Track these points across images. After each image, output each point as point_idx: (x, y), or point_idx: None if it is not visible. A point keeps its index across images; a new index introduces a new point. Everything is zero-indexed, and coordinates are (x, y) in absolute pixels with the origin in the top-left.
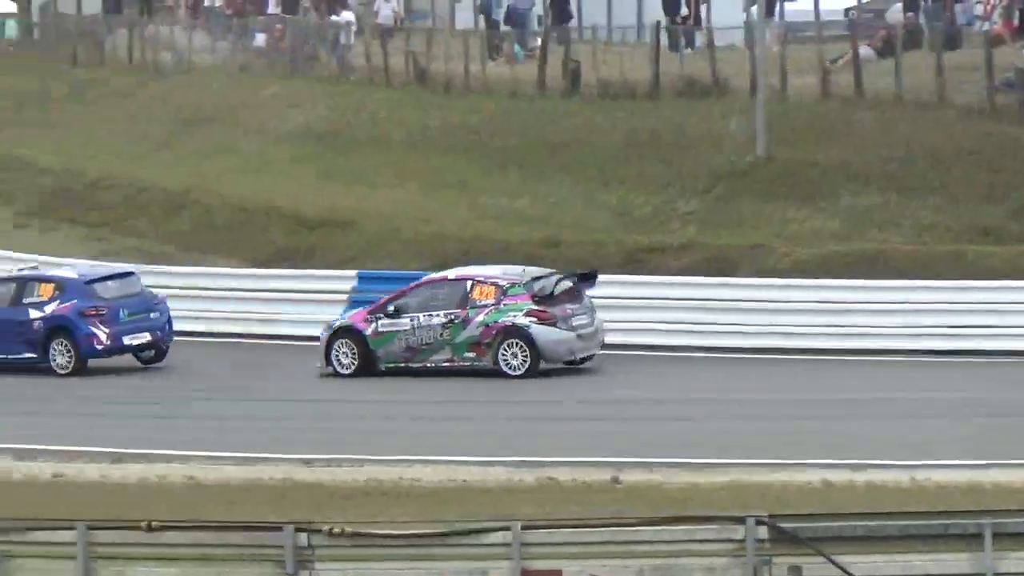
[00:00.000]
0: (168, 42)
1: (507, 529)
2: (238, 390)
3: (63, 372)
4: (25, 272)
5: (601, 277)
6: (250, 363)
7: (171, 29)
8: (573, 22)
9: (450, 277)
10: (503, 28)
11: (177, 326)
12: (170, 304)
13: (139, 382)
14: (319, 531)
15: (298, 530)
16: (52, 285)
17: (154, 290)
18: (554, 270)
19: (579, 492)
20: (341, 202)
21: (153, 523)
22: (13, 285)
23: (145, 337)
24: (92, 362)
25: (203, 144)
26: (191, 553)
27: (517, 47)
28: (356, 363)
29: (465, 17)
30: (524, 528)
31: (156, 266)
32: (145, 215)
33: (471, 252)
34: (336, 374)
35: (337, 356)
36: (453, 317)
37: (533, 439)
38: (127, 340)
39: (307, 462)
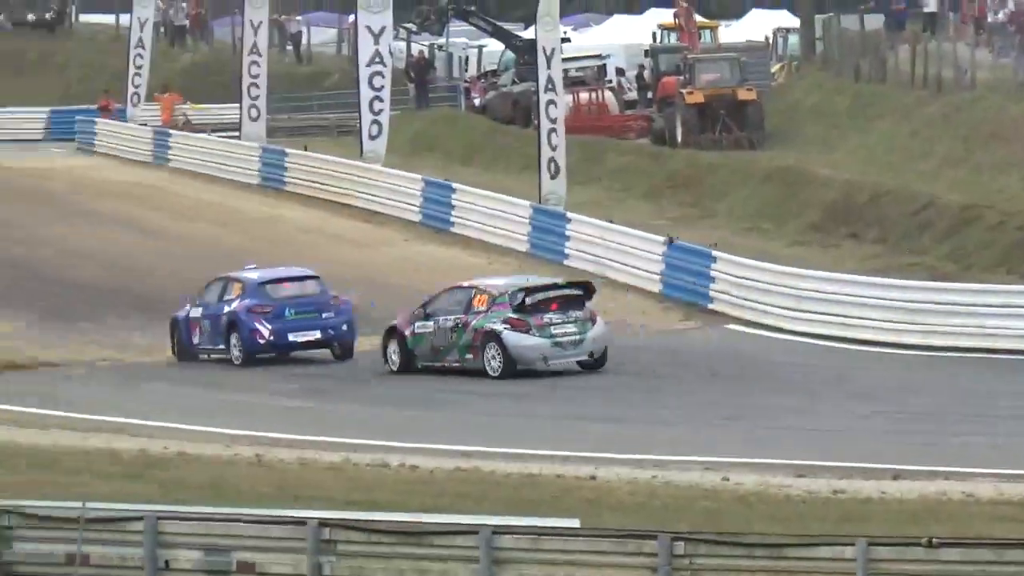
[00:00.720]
0: (950, 58)
1: None
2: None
3: (237, 363)
4: (232, 273)
5: None
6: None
7: (954, 45)
8: None
9: (464, 285)
10: None
11: (952, 342)
12: (936, 320)
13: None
14: None
15: None
16: (240, 285)
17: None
18: (556, 281)
19: None
20: None
21: (933, 540)
22: (221, 284)
23: (314, 335)
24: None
25: (988, 161)
26: (969, 571)
27: None
28: (399, 361)
29: None
30: None
31: (934, 283)
32: (927, 232)
33: None
34: (392, 372)
35: (389, 354)
36: (458, 322)
37: None
38: (292, 337)
39: None
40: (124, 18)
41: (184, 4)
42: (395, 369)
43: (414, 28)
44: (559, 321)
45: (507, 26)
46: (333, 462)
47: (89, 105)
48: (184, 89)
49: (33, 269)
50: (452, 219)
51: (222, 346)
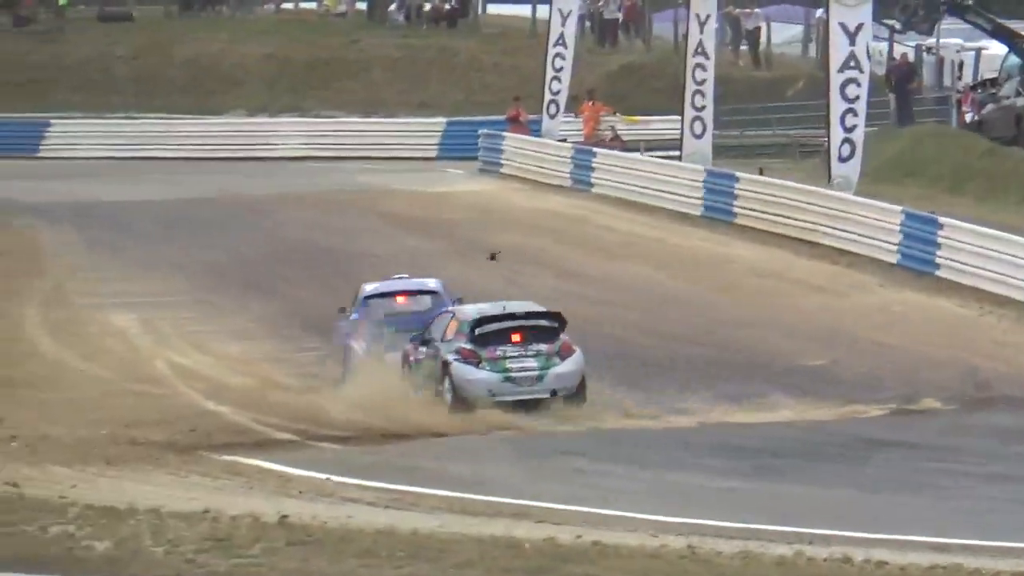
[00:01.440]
0: None
1: None
2: None
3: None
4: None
5: None
6: None
7: None
8: None
9: (448, 309)
10: None
11: None
12: None
13: None
14: None
15: None
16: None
17: None
18: (513, 311)
19: None
20: None
21: None
22: (355, 296)
23: None
24: None
25: None
26: None
27: None
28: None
29: None
30: None
31: None
32: None
33: None
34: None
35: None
36: (436, 350)
37: None
38: (389, 359)
39: None
40: (542, 10)
41: None
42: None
43: (898, 26)
44: (516, 354)
45: (1013, 24)
46: (783, 556)
47: (494, 116)
48: (613, 97)
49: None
50: (937, 260)
51: None
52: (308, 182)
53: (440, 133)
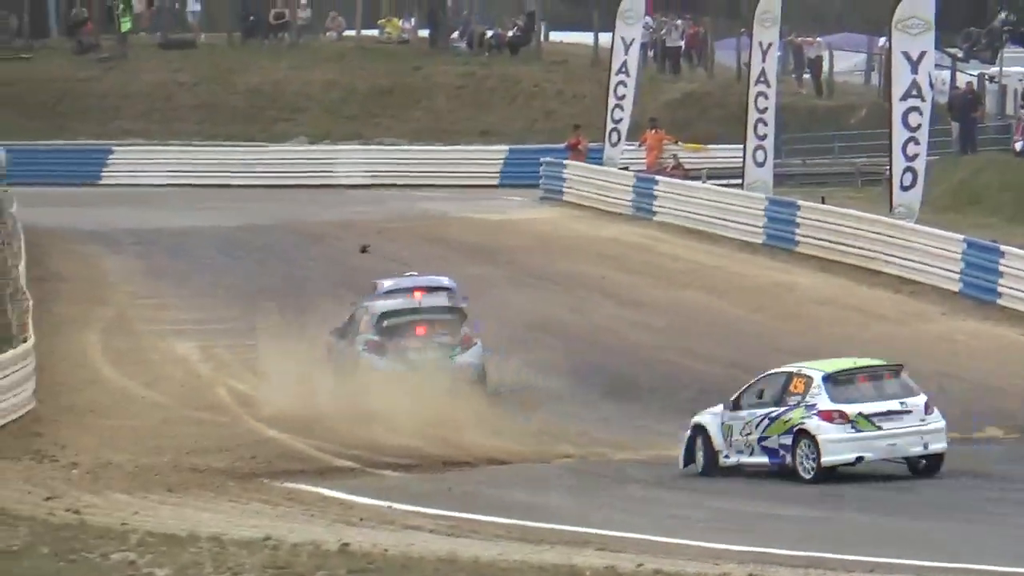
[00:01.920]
0: None
1: None
2: None
3: None
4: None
5: None
6: None
7: None
8: None
9: (364, 304)
10: None
11: None
12: None
13: None
14: None
15: None
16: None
17: None
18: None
19: None
20: None
21: None
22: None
23: None
24: None
25: None
26: None
27: None
28: None
29: None
30: None
31: None
32: None
33: None
34: None
35: None
36: (348, 343)
37: None
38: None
39: None
40: (604, 38)
41: (679, 22)
42: None
43: (961, 54)
44: (419, 346)
45: None
46: None
47: (556, 143)
48: (675, 125)
49: None
50: (999, 289)
51: None
52: (369, 209)
53: (502, 161)
